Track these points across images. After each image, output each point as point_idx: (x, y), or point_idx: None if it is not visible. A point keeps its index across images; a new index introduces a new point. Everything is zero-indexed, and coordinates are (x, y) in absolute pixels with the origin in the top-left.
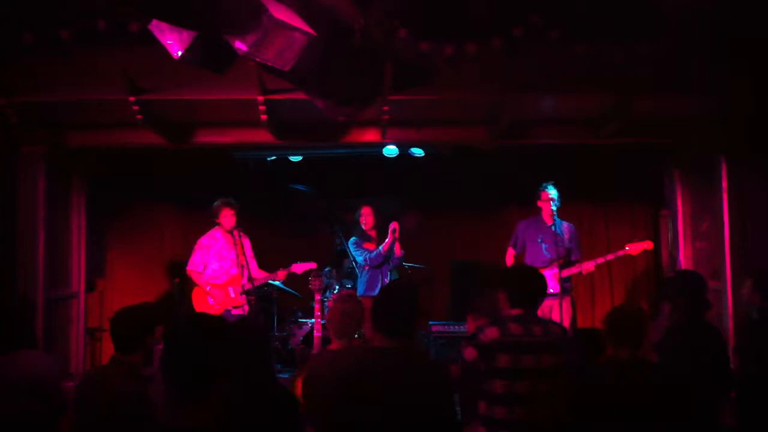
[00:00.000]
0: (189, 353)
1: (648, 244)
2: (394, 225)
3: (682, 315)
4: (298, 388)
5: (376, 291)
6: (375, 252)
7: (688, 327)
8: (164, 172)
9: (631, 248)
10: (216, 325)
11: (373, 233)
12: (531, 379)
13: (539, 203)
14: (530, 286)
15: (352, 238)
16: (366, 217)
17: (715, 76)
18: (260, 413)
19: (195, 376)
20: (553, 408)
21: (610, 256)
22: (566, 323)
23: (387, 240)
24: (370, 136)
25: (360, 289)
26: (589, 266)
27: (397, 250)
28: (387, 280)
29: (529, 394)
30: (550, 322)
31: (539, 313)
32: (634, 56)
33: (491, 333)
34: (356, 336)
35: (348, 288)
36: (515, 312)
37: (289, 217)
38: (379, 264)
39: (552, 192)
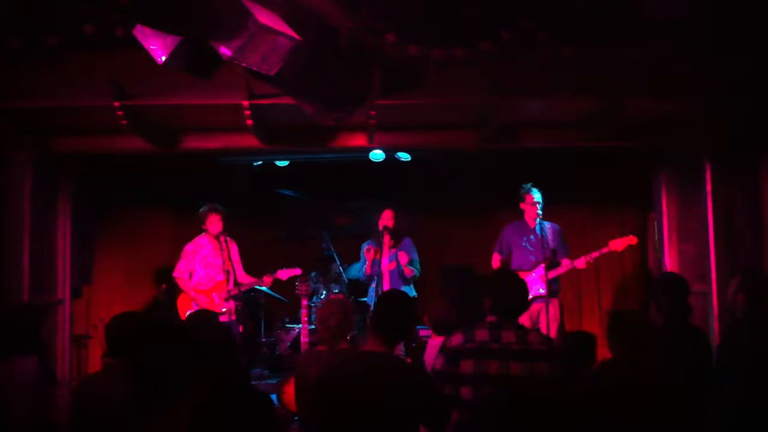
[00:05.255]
0: (153, 354)
1: (632, 239)
2: (369, 246)
3: (665, 317)
4: (286, 393)
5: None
6: (362, 269)
7: (671, 329)
8: (152, 178)
9: (614, 244)
10: (179, 326)
11: (386, 238)
12: (496, 385)
13: (522, 206)
14: (507, 294)
15: (367, 242)
16: (386, 221)
17: (702, 77)
18: (231, 414)
19: (159, 377)
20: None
21: (595, 254)
22: (554, 326)
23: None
24: (358, 140)
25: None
26: (578, 263)
27: (400, 262)
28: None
29: None
30: (530, 330)
31: (527, 316)
32: (623, 59)
33: (455, 339)
34: (347, 339)
35: (335, 293)
36: (490, 319)
37: (277, 222)
38: (367, 279)
39: (536, 195)
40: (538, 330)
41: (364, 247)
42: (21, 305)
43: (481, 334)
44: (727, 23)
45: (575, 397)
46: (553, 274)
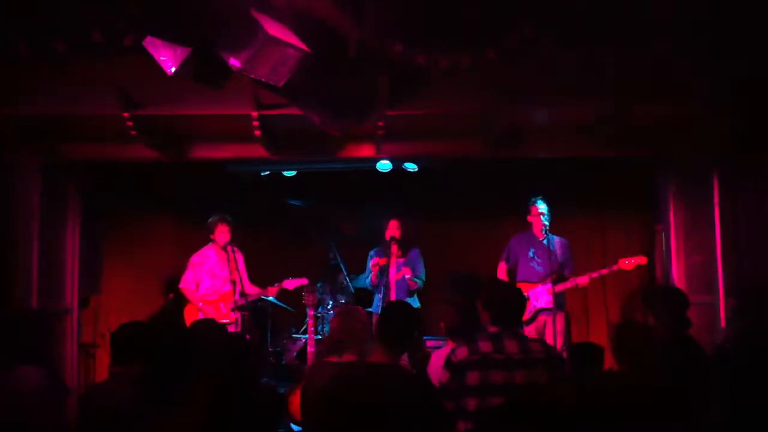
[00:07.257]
0: (159, 362)
1: (642, 260)
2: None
3: (662, 328)
4: (293, 403)
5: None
6: (368, 278)
7: (668, 340)
8: (161, 186)
9: (624, 264)
10: (184, 334)
11: (394, 248)
12: (503, 395)
13: (529, 218)
14: (506, 304)
15: (374, 250)
16: (393, 231)
17: (702, 78)
18: (237, 421)
19: (165, 385)
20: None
21: (604, 271)
22: (560, 338)
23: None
24: (365, 151)
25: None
26: (583, 280)
27: (398, 274)
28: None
29: None
30: (531, 339)
31: (533, 328)
32: (625, 61)
33: (461, 353)
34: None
35: (342, 303)
36: (492, 330)
37: (284, 231)
38: (374, 288)
39: (541, 206)
40: (540, 339)
41: (371, 255)
42: (28, 311)
43: (485, 346)
44: (732, 27)
45: (575, 403)
46: (560, 288)
